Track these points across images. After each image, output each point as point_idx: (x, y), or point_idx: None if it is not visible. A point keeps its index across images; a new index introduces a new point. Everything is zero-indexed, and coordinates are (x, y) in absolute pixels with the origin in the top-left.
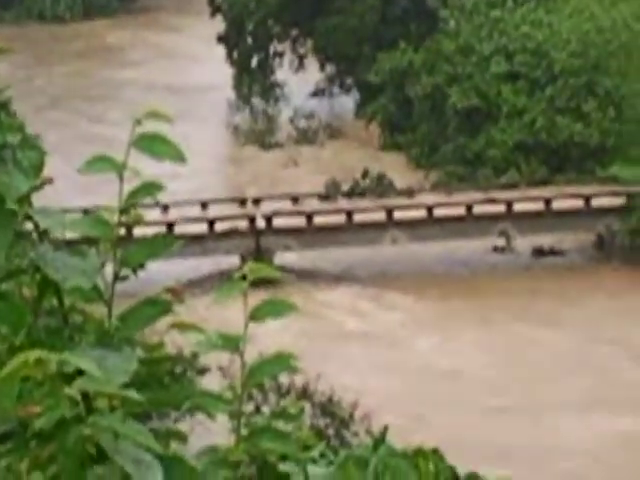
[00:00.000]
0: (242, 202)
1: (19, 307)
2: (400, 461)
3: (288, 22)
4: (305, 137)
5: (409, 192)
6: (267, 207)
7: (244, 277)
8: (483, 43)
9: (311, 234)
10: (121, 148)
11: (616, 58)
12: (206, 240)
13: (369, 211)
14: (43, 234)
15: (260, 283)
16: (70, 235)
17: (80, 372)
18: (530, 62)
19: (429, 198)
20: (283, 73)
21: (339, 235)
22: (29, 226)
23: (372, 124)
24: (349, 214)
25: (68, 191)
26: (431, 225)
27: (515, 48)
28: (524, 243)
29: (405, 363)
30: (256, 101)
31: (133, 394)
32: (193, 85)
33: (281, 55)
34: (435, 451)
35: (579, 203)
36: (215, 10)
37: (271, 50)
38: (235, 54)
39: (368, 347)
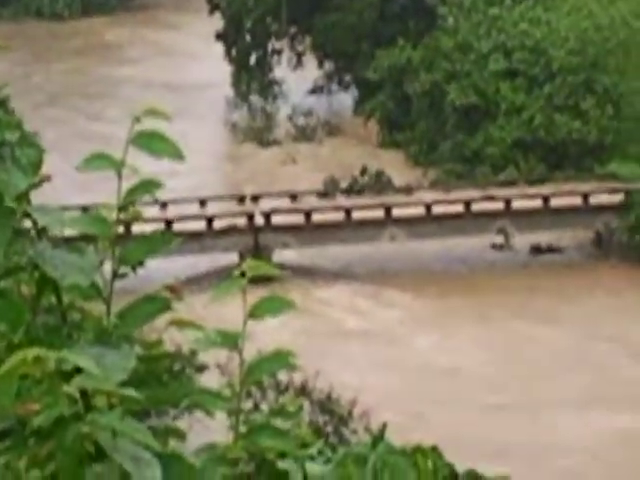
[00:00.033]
0: (240, 199)
1: (18, 305)
2: (399, 458)
3: (286, 19)
4: (303, 134)
5: (407, 189)
6: (265, 204)
7: (242, 274)
8: (481, 40)
9: (309, 231)
10: (119, 145)
11: (614, 56)
12: (204, 237)
13: (367, 208)
14: (41, 232)
15: (258, 280)
16: (69, 232)
17: (79, 370)
18: (528, 59)
19: (427, 195)
20: (281, 70)
21: (337, 232)
22: (28, 223)
23: (370, 121)
24: (347, 211)
25: (66, 189)
26: (429, 222)
27: (513, 45)
28: (522, 240)
29: (403, 360)
30: (254, 98)
31: (131, 392)
32: (191, 82)
33: (279, 52)
34: (434, 448)
35: (577, 200)
36: (213, 7)
37: (269, 47)
38: (233, 51)
39: (367, 344)
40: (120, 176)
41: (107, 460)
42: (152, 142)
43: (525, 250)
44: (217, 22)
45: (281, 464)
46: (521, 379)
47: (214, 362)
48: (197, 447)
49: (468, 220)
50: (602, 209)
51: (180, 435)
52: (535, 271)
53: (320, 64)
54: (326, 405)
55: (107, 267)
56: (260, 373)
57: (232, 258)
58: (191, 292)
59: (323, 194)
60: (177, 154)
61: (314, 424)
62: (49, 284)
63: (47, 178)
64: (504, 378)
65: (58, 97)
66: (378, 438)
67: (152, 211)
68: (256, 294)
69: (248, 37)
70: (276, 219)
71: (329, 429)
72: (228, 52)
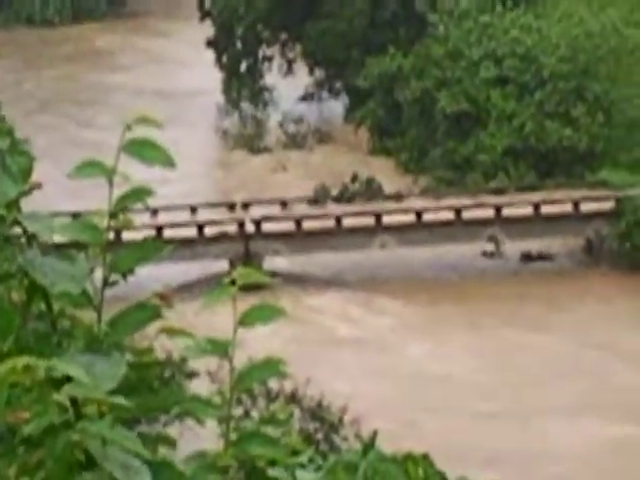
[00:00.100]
0: (231, 207)
1: (7, 313)
2: (389, 466)
3: (277, 26)
4: (294, 142)
5: (398, 197)
6: (256, 212)
7: (233, 282)
8: (472, 48)
9: (300, 239)
10: (110, 152)
11: (605, 63)
12: (195, 244)
13: (358, 216)
14: (31, 238)
15: (249, 288)
16: (59, 239)
17: (69, 378)
18: (519, 67)
19: (418, 203)
20: (272, 77)
21: (328, 240)
22: (18, 230)
23: (361, 129)
24: (338, 219)
25: (57, 196)
26: (420, 230)
27: (504, 53)
28: (513, 248)
29: (394, 368)
30: (245, 105)
31: (121, 400)
32: (182, 89)
33: (270, 59)
34: (425, 456)
35: (568, 208)
36: (204, 15)
37: (260, 54)
38: (224, 58)
39: (358, 352)
40: (111, 184)
41: (97, 468)
42: (144, 150)
43: (516, 257)
44: (208, 29)
45: (271, 472)
46: (512, 387)
47: (204, 369)
48: (187, 455)
49: (459, 227)
50: (593, 216)
51: (170, 443)
52: (526, 278)
53: (311, 71)
54: (317, 412)
55: (98, 274)
56: (250, 381)
57: (223, 265)
58: (182, 299)
59: (314, 201)
60: (168, 162)
61: (304, 431)
62: (39, 291)
63: (37, 185)
64: (495, 386)
65: (49, 104)
66: (369, 445)
67: (143, 218)
68: (247, 301)
69: (239, 44)
70: (267, 226)
71: (319, 436)
72: (219, 59)
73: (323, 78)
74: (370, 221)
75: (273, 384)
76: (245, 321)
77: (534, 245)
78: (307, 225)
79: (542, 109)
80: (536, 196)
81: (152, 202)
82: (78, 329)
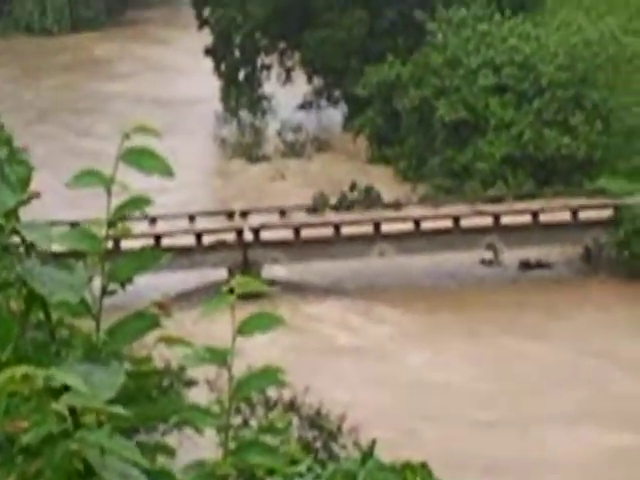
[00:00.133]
0: (230, 215)
1: (6, 322)
2: (388, 475)
3: (275, 35)
4: (293, 150)
5: (397, 205)
6: (255, 220)
7: (231, 291)
8: (471, 56)
9: (299, 247)
10: (109, 161)
11: (603, 71)
12: (194, 253)
13: (357, 224)
14: (30, 248)
15: (248, 296)
16: (57, 248)
17: (67, 387)
18: (517, 75)
19: (416, 211)
20: (271, 86)
21: (327, 248)
22: (17, 240)
23: (360, 137)
24: (337, 227)
25: (56, 205)
26: (418, 238)
27: (502, 61)
28: (511, 256)
29: (393, 376)
30: (243, 114)
31: (119, 409)
32: (181, 98)
33: (268, 68)
34: (423, 465)
35: (566, 216)
36: (202, 23)
37: (258, 63)
38: (223, 67)
39: (356, 360)
40: (109, 193)
41: (96, 478)
42: (142, 159)
43: (514, 266)
44: (206, 37)
45: None
46: (511, 395)
47: (203, 378)
48: (186, 464)
49: (457, 235)
50: (591, 224)
51: (169, 452)
52: (524, 287)
53: (309, 80)
54: (315, 421)
55: (96, 283)
56: (249, 389)
57: (221, 274)
58: (180, 308)
59: (312, 210)
60: (167, 171)
61: (303, 440)
62: (38, 301)
63: (36, 195)
64: (494, 394)
65: (48, 113)
66: (367, 454)
67: (141, 226)
68: (246, 310)
69: (237, 52)
70: (265, 235)
71: (318, 444)
72: (217, 67)
73: (322, 86)
74: (369, 229)
75: (272, 392)
76: (244, 330)
77: (533, 253)
78: (306, 233)
79: (540, 117)
80: (534, 204)
81: (150, 211)
82: (77, 338)
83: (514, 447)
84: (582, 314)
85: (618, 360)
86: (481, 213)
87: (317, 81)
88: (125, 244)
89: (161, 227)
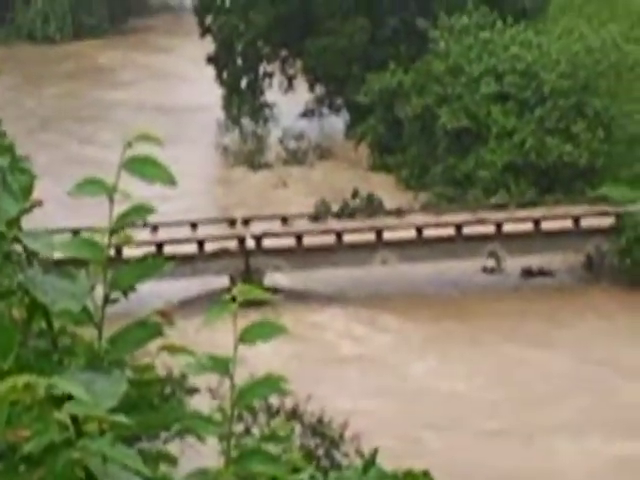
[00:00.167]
0: (232, 223)
1: (8, 330)
2: None
3: (278, 43)
4: (294, 158)
5: (399, 213)
6: (257, 227)
7: (234, 299)
8: (473, 64)
9: (301, 255)
10: (111, 169)
11: (605, 79)
12: (196, 261)
13: (359, 232)
14: (32, 256)
15: (250, 304)
16: (59, 255)
17: (69, 396)
18: (519, 83)
19: (419, 219)
20: (272, 94)
21: (329, 256)
22: (19, 248)
23: (362, 145)
24: (339, 235)
25: (58, 213)
26: (421, 246)
27: (505, 69)
28: (513, 264)
29: (396, 385)
30: (245, 122)
31: (121, 418)
32: (183, 105)
33: (270, 76)
34: (425, 473)
35: (568, 224)
36: (205, 31)
37: (261, 71)
38: (225, 75)
39: (359, 369)
40: (112, 201)
41: None
42: (144, 167)
43: (516, 273)
44: (208, 45)
45: None
46: (514, 403)
47: (205, 385)
48: (188, 472)
49: (459, 243)
50: (593, 232)
51: (171, 460)
52: (526, 294)
53: (311, 87)
54: (317, 428)
55: (99, 291)
56: (251, 398)
57: (223, 281)
58: (183, 316)
59: (314, 217)
60: (169, 180)
61: (305, 447)
62: (40, 309)
63: (38, 203)
64: (497, 402)
65: (50, 121)
66: (369, 463)
67: (143, 234)
68: (248, 318)
69: (239, 60)
70: (267, 242)
71: (320, 452)
72: (219, 75)
73: (323, 94)
74: (371, 237)
75: (274, 400)
76: (246, 338)
77: (535, 261)
78: (308, 241)
79: (542, 125)
80: (536, 212)
81: (152, 218)
82: (79, 346)
83: (518, 456)
84: (584, 322)
85: (621, 368)
86: (483, 221)
87: (319, 89)
88: (127, 252)
89: (163, 235)
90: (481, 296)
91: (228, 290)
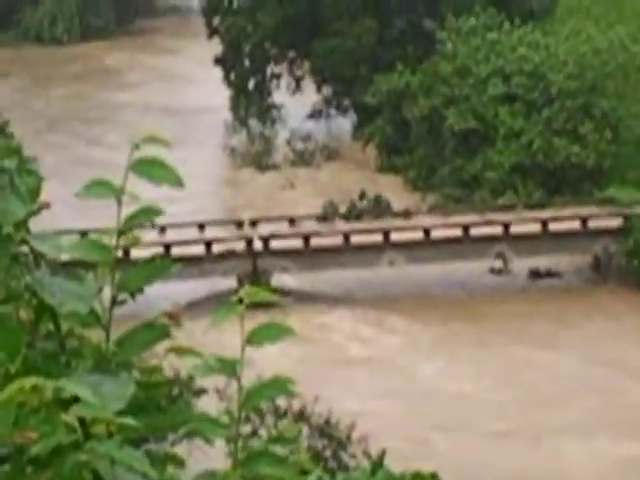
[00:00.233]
0: (239, 224)
1: (15, 332)
2: None
3: (285, 44)
4: (302, 159)
5: (406, 214)
6: (264, 229)
7: (241, 300)
8: (480, 65)
9: (308, 256)
10: (119, 171)
11: (613, 80)
12: (203, 262)
13: (366, 233)
14: (39, 258)
15: (259, 305)
16: (67, 257)
17: (77, 398)
18: (527, 84)
19: (426, 220)
20: (280, 95)
21: (336, 257)
22: (26, 250)
23: (369, 146)
24: (346, 236)
25: (66, 215)
26: (428, 247)
27: (512, 70)
28: (521, 265)
29: (404, 386)
30: (253, 123)
31: (129, 421)
32: (190, 107)
33: (278, 77)
34: (433, 475)
35: (576, 225)
36: (212, 32)
37: (268, 72)
38: (232, 76)
39: (367, 370)
40: (120, 203)
41: None
42: (152, 169)
43: (524, 275)
44: (216, 47)
45: None
46: (522, 404)
47: (213, 386)
48: (196, 474)
49: (467, 245)
50: (601, 233)
51: (179, 462)
52: (534, 295)
53: (319, 89)
54: (325, 429)
55: (106, 293)
56: (258, 399)
57: (231, 283)
58: (191, 318)
59: (322, 219)
60: (177, 181)
61: (313, 449)
62: (47, 311)
63: (46, 205)
64: (505, 404)
65: (58, 122)
66: (377, 464)
67: (151, 235)
68: (256, 319)
69: (247, 62)
70: (275, 244)
71: (328, 453)
72: (227, 76)
73: (331, 95)
74: (378, 238)
75: (281, 402)
76: (253, 340)
77: (542, 262)
78: (315, 242)
79: (550, 126)
80: (544, 213)
81: (160, 220)
82: (86, 349)
83: (526, 457)
84: (592, 323)
85: (628, 369)
86: (491, 222)
87: (326, 90)
88: (134, 253)
89: (171, 236)
90: (489, 297)
91: (235, 292)
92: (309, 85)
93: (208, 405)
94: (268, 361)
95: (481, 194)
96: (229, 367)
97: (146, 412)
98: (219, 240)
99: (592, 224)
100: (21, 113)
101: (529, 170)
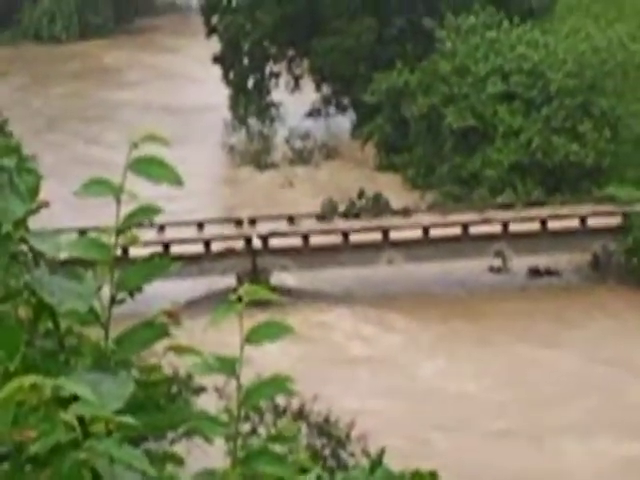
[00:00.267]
0: (238, 222)
1: (14, 330)
2: None
3: (284, 42)
4: (301, 157)
5: (405, 212)
6: (263, 227)
7: (240, 299)
8: (479, 64)
9: (307, 254)
10: (118, 169)
11: (612, 78)
12: (202, 261)
13: (365, 231)
14: (38, 256)
15: (258, 303)
16: (67, 255)
17: (76, 397)
18: (526, 82)
19: (425, 218)
20: (279, 93)
21: (335, 255)
22: (25, 248)
23: (368, 144)
24: (345, 234)
25: (65, 214)
26: (427, 245)
27: (511, 68)
28: (520, 263)
29: (404, 385)
30: (252, 121)
31: (128, 419)
32: (190, 105)
33: (277, 75)
34: (432, 474)
35: (575, 223)
36: (211, 31)
37: (267, 70)
38: (231, 74)
39: (367, 369)
40: (119, 202)
41: None
42: (151, 168)
43: (523, 273)
44: (214, 45)
45: None
46: (523, 404)
47: (212, 384)
48: (195, 473)
49: (466, 243)
50: (600, 232)
51: (178, 461)
52: (533, 294)
53: (318, 87)
54: (324, 428)
55: (105, 291)
56: (258, 398)
57: (230, 281)
58: (190, 316)
59: (321, 217)
60: (176, 180)
61: (312, 447)
62: (46, 310)
63: (45, 204)
64: (506, 403)
65: (57, 121)
66: (376, 463)
67: (150, 234)
68: (255, 318)
69: (246, 60)
70: (274, 242)
71: (327, 452)
72: (226, 75)
73: (330, 94)
74: (377, 237)
75: (280, 400)
76: (252, 338)
77: (541, 260)
78: (314, 241)
79: (549, 125)
80: (543, 211)
81: (159, 218)
82: (85, 347)
83: (526, 457)
84: (592, 322)
85: (630, 368)
86: (490, 220)
87: (325, 88)
88: (133, 252)
89: (170, 235)
90: (488, 296)
91: (235, 290)
92: (308, 83)
93: (207, 403)
94: (267, 360)
95: (480, 192)
96: (228, 366)
97: (145, 411)
98: (218, 238)
99: (591, 222)
100: (20, 112)
101: (528, 168)
